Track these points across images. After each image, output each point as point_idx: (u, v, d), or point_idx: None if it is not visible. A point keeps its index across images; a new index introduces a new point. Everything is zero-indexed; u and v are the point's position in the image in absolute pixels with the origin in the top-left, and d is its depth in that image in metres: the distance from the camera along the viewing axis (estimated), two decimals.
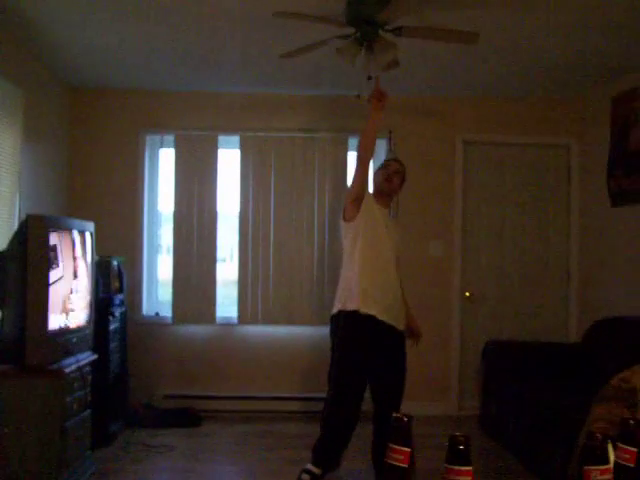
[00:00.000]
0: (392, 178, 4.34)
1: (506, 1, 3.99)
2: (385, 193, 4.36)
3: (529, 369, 5.37)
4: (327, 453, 4.10)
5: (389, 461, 1.17)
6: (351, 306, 4.08)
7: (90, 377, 4.47)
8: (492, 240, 6.38)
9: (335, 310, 4.20)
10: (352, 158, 6.17)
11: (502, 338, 6.02)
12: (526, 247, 6.36)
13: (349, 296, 4.11)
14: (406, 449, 1.17)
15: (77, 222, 4.50)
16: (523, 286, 6.35)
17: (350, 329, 4.09)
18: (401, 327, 4.21)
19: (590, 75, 5.59)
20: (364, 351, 4.06)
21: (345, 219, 4.30)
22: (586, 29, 4.47)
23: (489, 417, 5.60)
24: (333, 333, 4.22)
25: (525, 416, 4.84)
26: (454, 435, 1.11)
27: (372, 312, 4.03)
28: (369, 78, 4.27)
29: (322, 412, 4.23)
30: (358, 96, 4.56)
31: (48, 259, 3.87)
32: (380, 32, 3.99)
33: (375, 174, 4.50)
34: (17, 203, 4.83)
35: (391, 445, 1.17)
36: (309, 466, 4.05)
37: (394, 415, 1.19)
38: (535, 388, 4.98)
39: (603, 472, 1.18)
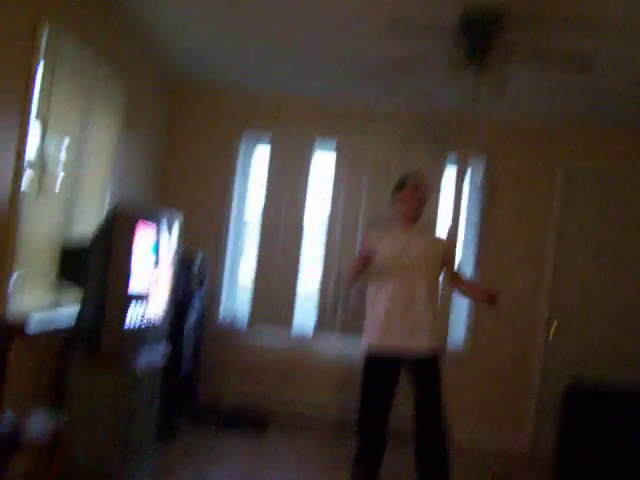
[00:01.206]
0: (418, 198, 4.24)
1: (623, 26, 3.75)
2: (410, 217, 4.27)
3: (618, 421, 4.92)
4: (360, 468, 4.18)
5: None
6: (365, 347, 4.18)
7: (161, 377, 4.43)
8: (587, 279, 6.00)
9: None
10: (449, 172, 6.03)
11: (589, 380, 5.55)
12: (625, 287, 5.96)
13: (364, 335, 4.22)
14: None
15: (165, 211, 4.47)
16: (619, 328, 5.93)
17: (364, 372, 4.18)
18: (426, 346, 4.06)
19: None
20: (378, 390, 4.13)
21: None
22: None
23: (564, 465, 5.22)
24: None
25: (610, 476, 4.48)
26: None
27: (380, 351, 4.09)
28: (474, 99, 4.09)
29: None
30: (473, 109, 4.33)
31: (132, 247, 3.84)
32: (491, 51, 3.81)
33: (398, 196, 4.31)
34: (109, 189, 4.84)
35: None
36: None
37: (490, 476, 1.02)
38: (624, 448, 4.59)
39: None
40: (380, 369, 4.13)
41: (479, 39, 3.80)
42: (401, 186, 4.29)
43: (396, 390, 4.13)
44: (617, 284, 5.99)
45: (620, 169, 6.02)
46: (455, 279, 4.33)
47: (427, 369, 4.07)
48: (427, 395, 4.03)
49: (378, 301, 4.15)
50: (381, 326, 4.09)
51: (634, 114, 5.59)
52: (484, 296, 4.08)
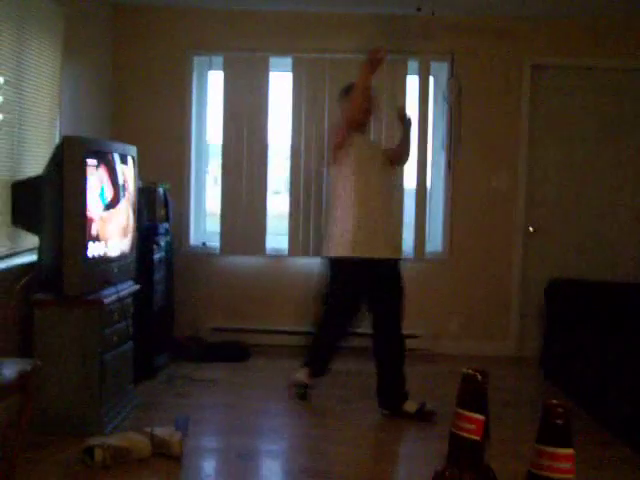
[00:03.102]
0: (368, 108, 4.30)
1: None
2: (362, 122, 4.31)
3: (596, 310, 5.00)
4: (317, 361, 4.45)
5: (456, 431, 0.89)
6: (345, 252, 4.21)
7: (132, 308, 4.32)
8: (560, 174, 5.96)
9: (332, 253, 4.33)
10: (412, 81, 5.82)
11: (567, 276, 5.61)
12: (597, 182, 5.93)
13: (341, 242, 4.24)
14: (479, 417, 0.88)
15: (118, 145, 4.27)
16: (594, 222, 5.94)
17: (345, 275, 4.27)
18: (398, 254, 4.34)
19: None
20: (360, 292, 4.29)
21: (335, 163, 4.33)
22: None
23: (551, 360, 5.28)
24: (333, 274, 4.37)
25: (592, 361, 4.52)
26: (550, 404, 0.81)
27: (366, 255, 4.15)
28: None
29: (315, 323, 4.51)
30: (419, 9, 4.19)
31: (85, 183, 3.65)
32: None
33: (347, 105, 4.31)
34: (57, 125, 4.61)
35: (460, 411, 0.89)
36: (298, 376, 4.47)
37: (464, 371, 0.91)
38: (602, 331, 4.65)
39: None
40: (357, 274, 4.24)
41: None
42: (348, 91, 4.30)
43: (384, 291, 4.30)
44: (589, 179, 5.95)
45: (584, 61, 5.86)
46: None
47: (394, 274, 4.30)
48: (392, 298, 4.28)
49: (358, 199, 4.19)
50: (365, 228, 4.17)
51: (595, 3, 5.39)
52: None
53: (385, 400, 4.32)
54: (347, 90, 4.35)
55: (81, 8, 5.09)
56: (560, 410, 0.81)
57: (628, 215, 5.94)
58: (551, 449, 0.80)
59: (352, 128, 4.22)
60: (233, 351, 5.63)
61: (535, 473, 0.82)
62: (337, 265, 4.32)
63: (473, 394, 0.88)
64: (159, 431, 3.59)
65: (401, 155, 4.65)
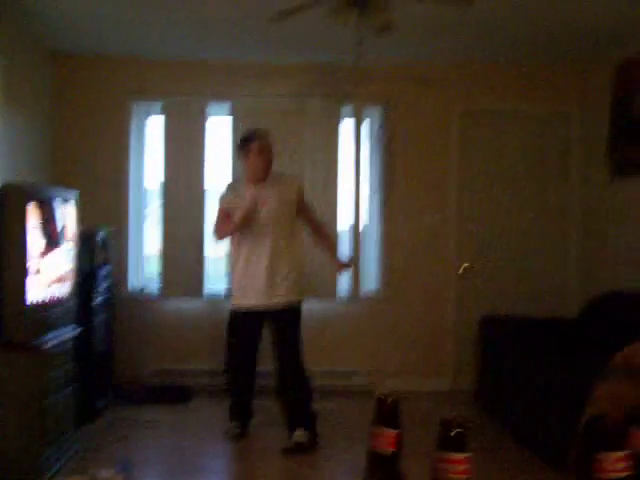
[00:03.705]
0: (264, 158, 4.46)
1: None
2: (259, 176, 4.48)
3: (526, 344, 5.19)
4: (237, 407, 4.66)
5: (372, 448, 1.02)
6: (233, 302, 4.58)
7: (73, 352, 4.33)
8: (489, 213, 6.20)
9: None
10: (345, 125, 6.02)
11: (499, 312, 5.83)
12: (524, 220, 6.19)
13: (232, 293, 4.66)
14: (391, 431, 1.01)
15: (59, 190, 4.33)
16: (521, 259, 6.19)
17: (232, 324, 4.61)
18: (285, 300, 4.40)
19: (592, 41, 5.38)
20: (245, 340, 4.57)
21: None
22: None
23: (485, 392, 5.47)
24: None
25: (522, 392, 4.72)
26: (446, 419, 0.95)
27: (244, 306, 4.45)
28: (360, 43, 4.09)
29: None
30: (360, 43, 4.31)
31: (25, 230, 3.70)
32: None
33: (243, 154, 4.54)
34: None
35: (374, 428, 1.02)
36: (227, 426, 4.63)
37: (377, 396, 1.04)
38: (532, 364, 4.84)
39: (618, 460, 1.03)
40: (243, 323, 4.53)
41: None
42: (245, 143, 4.49)
43: (258, 342, 4.56)
44: (516, 217, 6.20)
45: (511, 106, 6.17)
46: (313, 228, 4.67)
47: (284, 318, 4.45)
48: (284, 340, 4.44)
49: (238, 260, 4.47)
50: (240, 284, 4.45)
51: (522, 53, 5.73)
52: (339, 269, 4.81)
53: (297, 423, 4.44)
54: (244, 141, 4.54)
55: (20, 57, 5.16)
56: (455, 422, 0.95)
57: (553, 251, 6.20)
58: (446, 454, 0.94)
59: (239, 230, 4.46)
60: (174, 393, 5.64)
61: (435, 477, 0.95)
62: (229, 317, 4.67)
63: (385, 413, 1.02)
64: (101, 474, 3.59)
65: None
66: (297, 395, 4.47)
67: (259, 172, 4.46)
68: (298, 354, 4.46)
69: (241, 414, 4.66)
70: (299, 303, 4.50)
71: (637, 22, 4.86)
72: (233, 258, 4.59)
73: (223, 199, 4.61)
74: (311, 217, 4.66)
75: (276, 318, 4.45)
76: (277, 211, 4.42)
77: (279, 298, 4.40)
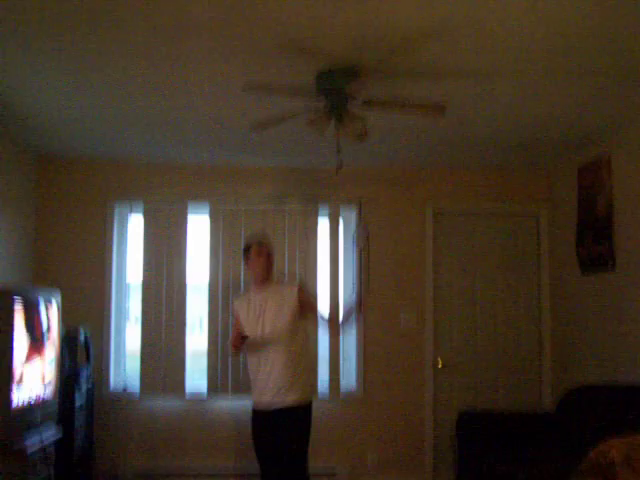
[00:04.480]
0: (263, 258, 4.63)
1: (473, 73, 4.05)
2: (261, 276, 4.65)
3: (504, 440, 5.28)
4: None
5: None
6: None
7: (54, 456, 4.32)
8: (464, 309, 6.36)
9: None
10: (322, 226, 6.20)
11: (476, 408, 5.93)
12: (498, 316, 6.36)
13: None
14: None
15: (42, 291, 4.41)
16: (496, 355, 6.32)
17: (251, 424, 4.69)
18: (289, 401, 4.48)
19: (557, 147, 5.70)
20: (259, 438, 4.63)
21: None
22: (550, 103, 4.57)
23: None
24: None
25: None
26: None
27: (257, 407, 4.60)
28: (339, 151, 4.33)
29: None
30: (340, 166, 4.60)
31: (12, 332, 3.76)
32: (349, 104, 4.03)
33: (246, 260, 4.73)
34: None
35: None
36: None
37: None
38: (510, 459, 4.89)
39: None
40: (260, 421, 4.61)
41: (336, 97, 3.99)
42: (247, 250, 4.73)
43: (276, 437, 4.53)
44: (491, 312, 6.37)
45: (483, 206, 6.42)
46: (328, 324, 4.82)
47: (291, 417, 4.50)
48: (290, 437, 4.49)
49: (251, 364, 4.63)
50: (255, 387, 4.59)
51: (491, 156, 6.02)
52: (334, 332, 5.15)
53: None
54: (245, 248, 4.77)
55: (5, 159, 5.31)
56: None
57: (528, 345, 6.34)
58: None
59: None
60: None
61: None
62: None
63: None
64: None
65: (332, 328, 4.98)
66: None
67: (261, 272, 4.63)
68: (302, 454, 4.53)
69: None
70: (308, 404, 4.58)
71: (596, 130, 5.19)
72: (248, 362, 4.71)
73: (233, 305, 4.85)
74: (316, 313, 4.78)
75: (284, 417, 4.51)
76: (278, 322, 4.55)
77: (286, 399, 4.49)
